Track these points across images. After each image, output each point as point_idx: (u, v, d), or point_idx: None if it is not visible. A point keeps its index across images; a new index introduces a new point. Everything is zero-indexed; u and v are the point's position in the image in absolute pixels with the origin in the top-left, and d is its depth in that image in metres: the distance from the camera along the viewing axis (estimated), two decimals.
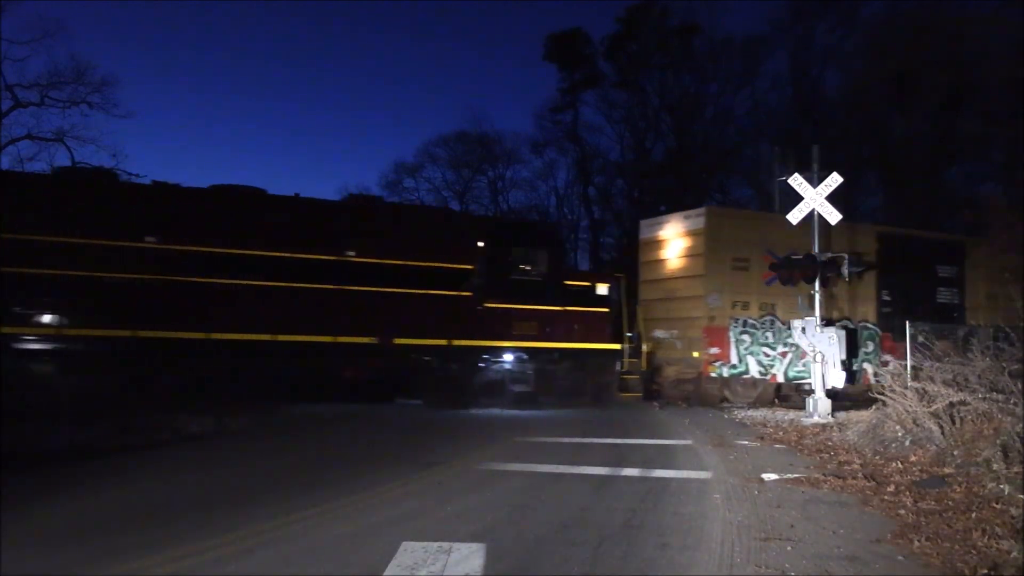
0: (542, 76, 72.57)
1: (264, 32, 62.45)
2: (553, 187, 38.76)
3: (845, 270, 13.37)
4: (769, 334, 15.48)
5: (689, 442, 9.91)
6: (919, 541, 4.98)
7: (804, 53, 33.16)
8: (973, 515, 5.48)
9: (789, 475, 7.50)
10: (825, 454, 8.84)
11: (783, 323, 15.31)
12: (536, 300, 13.66)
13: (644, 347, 15.38)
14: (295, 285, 12.29)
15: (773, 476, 7.43)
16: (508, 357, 13.76)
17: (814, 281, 13.16)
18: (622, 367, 14.80)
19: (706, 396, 15.33)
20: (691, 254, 15.88)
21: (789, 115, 32.63)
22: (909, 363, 10.54)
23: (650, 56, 36.08)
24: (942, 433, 7.85)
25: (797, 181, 13.05)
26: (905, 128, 28.64)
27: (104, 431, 9.33)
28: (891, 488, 6.62)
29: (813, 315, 13.06)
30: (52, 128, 25.13)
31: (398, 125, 65.06)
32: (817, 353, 12.73)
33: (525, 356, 13.72)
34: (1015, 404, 7.36)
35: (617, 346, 14.60)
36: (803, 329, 13.02)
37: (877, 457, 8.17)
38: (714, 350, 15.13)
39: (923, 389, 8.55)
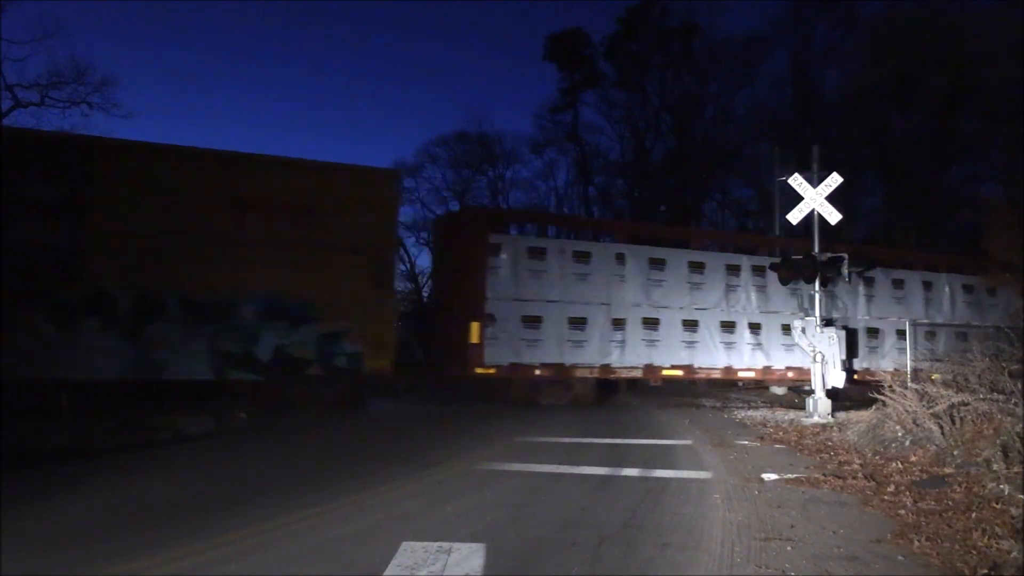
0: (542, 76, 72.54)
1: (263, 33, 62.48)
2: (553, 187, 38.81)
3: None
4: None
5: (689, 442, 9.91)
6: (919, 541, 4.98)
7: (804, 53, 33.25)
8: (973, 515, 5.48)
9: (789, 475, 7.50)
10: (825, 454, 8.84)
11: None
12: None
13: None
14: None
15: (773, 476, 7.43)
16: None
17: None
18: None
19: None
20: None
21: (789, 115, 32.65)
22: (910, 363, 10.55)
23: (650, 56, 36.13)
24: (942, 433, 7.84)
25: (797, 181, 13.06)
26: (905, 128, 28.69)
27: (104, 431, 9.34)
28: (891, 488, 6.62)
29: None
30: (52, 128, 25.20)
31: (398, 125, 65.04)
32: (817, 353, 12.72)
33: None
34: (1015, 404, 7.36)
35: None
36: (803, 329, 13.01)
37: (877, 457, 8.16)
38: None
39: (923, 389, 8.56)
